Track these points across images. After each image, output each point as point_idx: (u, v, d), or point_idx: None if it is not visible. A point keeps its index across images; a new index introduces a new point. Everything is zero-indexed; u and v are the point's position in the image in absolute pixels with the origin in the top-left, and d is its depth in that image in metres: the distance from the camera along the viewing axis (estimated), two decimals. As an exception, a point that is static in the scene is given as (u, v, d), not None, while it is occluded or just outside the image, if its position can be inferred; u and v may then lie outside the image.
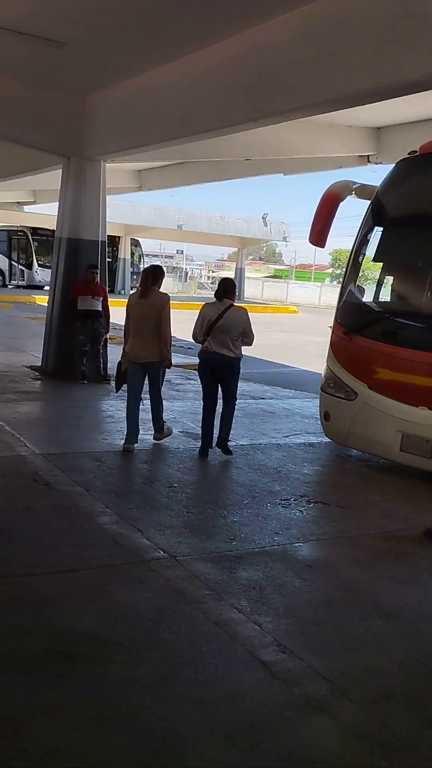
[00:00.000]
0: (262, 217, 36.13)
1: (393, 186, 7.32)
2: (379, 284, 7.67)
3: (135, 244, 37.92)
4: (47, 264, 27.88)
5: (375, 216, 7.36)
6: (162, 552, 4.47)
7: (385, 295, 7.60)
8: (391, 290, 7.63)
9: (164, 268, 7.79)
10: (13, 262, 34.48)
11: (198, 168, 16.30)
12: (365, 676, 3.30)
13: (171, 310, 6.87)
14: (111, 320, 10.83)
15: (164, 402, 7.35)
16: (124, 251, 36.43)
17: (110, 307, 10.61)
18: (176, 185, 19.12)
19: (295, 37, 6.52)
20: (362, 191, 7.43)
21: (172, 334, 6.88)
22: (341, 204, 7.23)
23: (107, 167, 16.23)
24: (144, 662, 3.24)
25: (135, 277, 37.57)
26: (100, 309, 10.37)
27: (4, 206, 29.39)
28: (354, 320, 7.21)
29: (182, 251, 62.20)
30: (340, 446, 7.37)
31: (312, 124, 11.31)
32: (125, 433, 6.85)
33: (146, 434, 7.43)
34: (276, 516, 5.34)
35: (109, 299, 10.60)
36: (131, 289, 36.78)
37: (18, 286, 33.22)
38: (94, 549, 4.45)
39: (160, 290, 7.01)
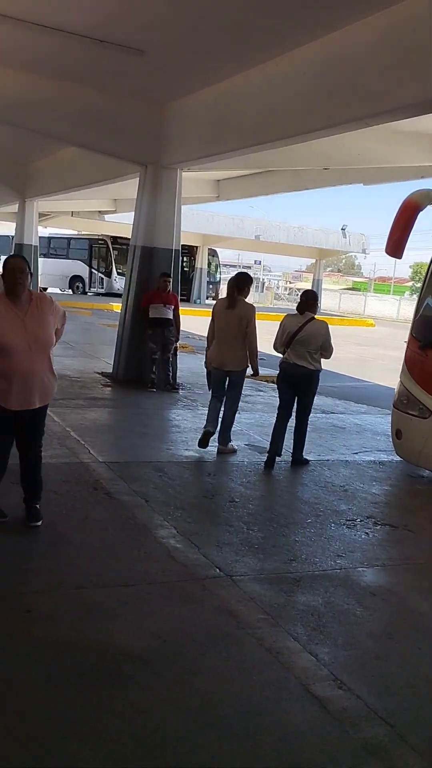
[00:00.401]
0: (341, 229, 35.66)
1: None
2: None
3: (212, 254, 38.08)
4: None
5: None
6: (218, 570, 4.31)
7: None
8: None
9: (252, 277, 7.70)
10: (93, 270, 35.17)
11: (276, 177, 16.12)
12: (430, 720, 3.04)
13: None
14: (183, 329, 10.79)
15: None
16: (201, 261, 36.62)
17: (185, 316, 10.59)
18: (254, 195, 18.99)
19: (375, 42, 6.29)
20: (444, 201, 7.11)
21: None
22: (422, 215, 6.94)
23: (185, 177, 16.36)
24: (189, 688, 3.08)
25: (211, 286, 37.83)
26: (171, 317, 10.33)
27: (86, 215, 29.94)
28: (430, 334, 6.89)
29: (260, 262, 62.09)
30: (411, 466, 7.05)
31: (393, 133, 10.97)
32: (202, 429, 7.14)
33: (214, 445, 7.31)
34: (340, 537, 5.10)
35: (183, 308, 10.55)
36: (207, 298, 36.99)
37: (97, 294, 33.84)
38: (148, 563, 4.32)
39: (246, 300, 7.15)
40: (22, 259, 4.48)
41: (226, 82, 8.71)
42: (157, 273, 10.38)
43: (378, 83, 6.31)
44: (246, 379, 7.38)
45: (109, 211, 27.74)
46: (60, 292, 34.32)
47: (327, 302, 44.79)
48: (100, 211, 29.03)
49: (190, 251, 36.67)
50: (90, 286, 35.05)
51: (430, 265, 7.27)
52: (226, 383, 7.18)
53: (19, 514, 4.74)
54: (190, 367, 13.28)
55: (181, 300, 36.66)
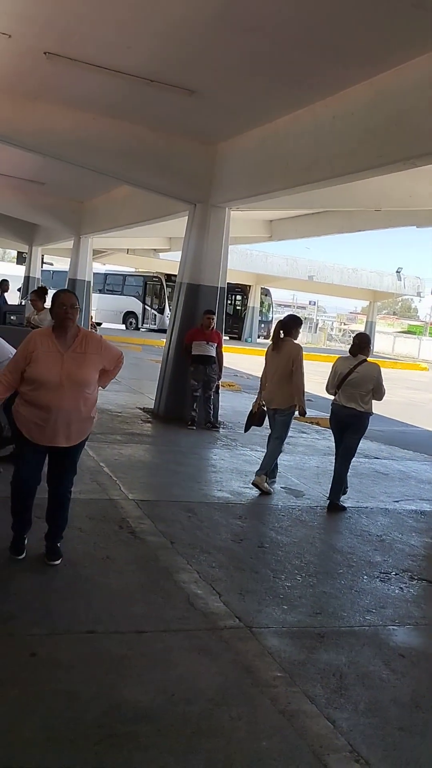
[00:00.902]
0: (396, 271, 35.33)
1: None
2: None
3: (265, 293, 38.16)
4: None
5: None
6: (237, 620, 4.10)
7: None
8: None
9: (301, 318, 7.65)
10: (146, 306, 35.59)
11: (329, 218, 16.07)
12: (452, 804, 2.76)
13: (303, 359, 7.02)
14: (232, 367, 10.72)
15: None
16: (254, 300, 36.71)
17: (235, 355, 10.52)
18: (307, 236, 18.93)
19: (423, 81, 6.18)
20: None
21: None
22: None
23: (237, 216, 16.43)
24: (193, 751, 2.88)
25: (263, 325, 37.82)
26: (214, 355, 10.24)
27: (141, 253, 30.41)
28: None
29: (315, 302, 61.96)
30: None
31: (448, 175, 10.84)
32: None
33: (245, 487, 7.13)
34: (372, 591, 4.83)
35: (234, 347, 10.47)
36: (258, 337, 36.97)
37: (150, 330, 34.16)
38: (165, 609, 4.14)
39: (295, 341, 7.22)
40: (72, 293, 4.44)
41: (275, 122, 8.71)
42: (202, 310, 10.33)
43: (426, 123, 6.18)
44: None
45: (164, 249, 28.08)
46: (114, 327, 34.75)
47: (381, 345, 44.30)
48: (155, 249, 29.45)
49: (242, 290, 36.85)
50: (143, 322, 35.42)
51: None
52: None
53: (41, 549, 4.62)
54: (234, 405, 13.15)
55: (232, 338, 37.00)
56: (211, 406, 10.39)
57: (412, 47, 6.17)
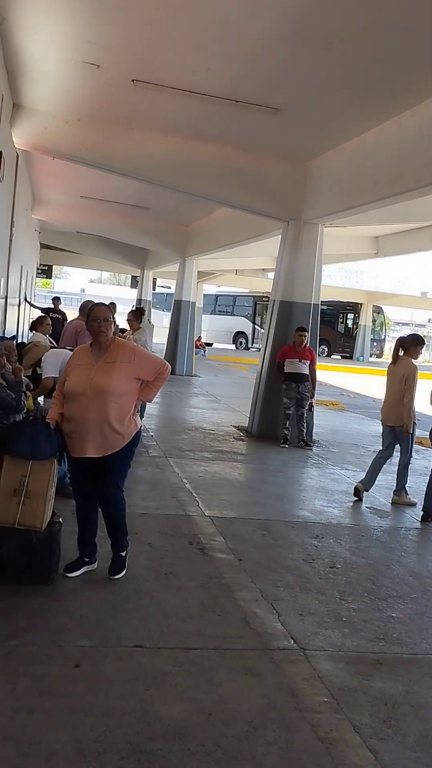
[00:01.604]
0: None
1: None
2: None
3: (377, 311, 37.41)
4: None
5: None
6: (292, 641, 3.98)
7: None
8: None
9: (423, 338, 7.80)
10: (256, 326, 35.76)
11: (435, 232, 15.59)
12: None
13: (417, 379, 7.09)
14: (339, 386, 10.59)
15: (365, 474, 7.55)
16: (366, 318, 36.07)
17: (345, 374, 10.42)
18: (413, 251, 18.48)
19: None
20: None
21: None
22: None
23: (342, 234, 16.27)
24: (219, 773, 2.79)
25: (375, 344, 37.06)
26: (306, 372, 10.11)
27: (249, 273, 30.63)
28: None
29: (432, 320, 60.03)
30: None
31: None
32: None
33: (327, 506, 6.96)
34: (445, 618, 4.56)
35: (345, 366, 10.33)
36: (370, 356, 36.24)
37: (259, 349, 34.22)
38: (219, 627, 4.08)
39: (413, 360, 7.34)
40: (106, 307, 4.51)
41: (362, 136, 8.58)
42: (295, 327, 10.24)
43: None
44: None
45: (271, 268, 28.13)
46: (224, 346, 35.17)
47: None
48: (263, 269, 29.57)
49: (354, 308, 36.30)
50: (253, 342, 35.59)
51: None
52: (392, 438, 7.40)
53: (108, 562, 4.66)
54: (334, 424, 12.96)
55: (344, 357, 36.54)
56: (304, 425, 10.24)
57: None
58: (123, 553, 4.65)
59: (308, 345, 10.23)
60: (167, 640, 3.85)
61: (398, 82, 6.96)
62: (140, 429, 4.55)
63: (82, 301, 8.70)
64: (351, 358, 35.82)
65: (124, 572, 4.61)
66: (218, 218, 15.60)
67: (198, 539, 5.57)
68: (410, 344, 7.33)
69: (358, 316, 36.31)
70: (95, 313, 4.37)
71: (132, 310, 10.92)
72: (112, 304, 6.17)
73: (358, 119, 8.24)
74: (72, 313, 12.75)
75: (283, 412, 10.21)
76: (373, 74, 6.87)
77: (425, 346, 7.66)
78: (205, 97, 7.99)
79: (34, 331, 9.70)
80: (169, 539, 5.52)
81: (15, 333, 9.11)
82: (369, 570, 5.34)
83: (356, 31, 5.97)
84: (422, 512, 6.86)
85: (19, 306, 13.91)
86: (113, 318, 4.44)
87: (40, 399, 6.97)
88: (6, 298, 9.81)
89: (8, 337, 7.74)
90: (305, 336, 10.07)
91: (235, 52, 6.82)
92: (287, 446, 9.98)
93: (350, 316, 36.71)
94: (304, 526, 6.32)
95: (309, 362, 10.15)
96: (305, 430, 10.25)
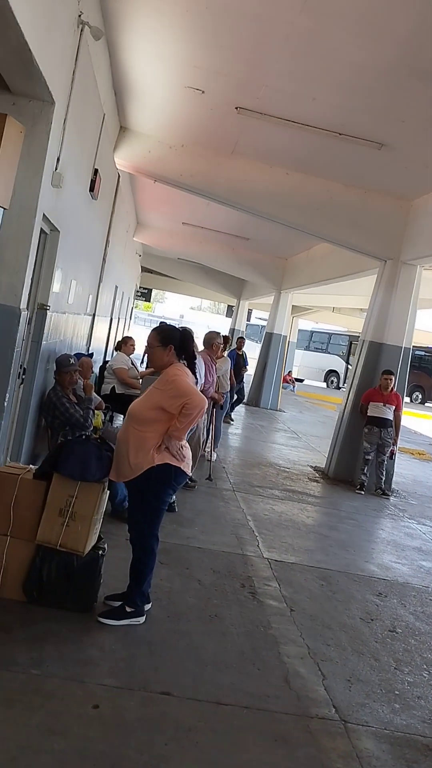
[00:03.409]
0: None
1: None
2: None
3: None
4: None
5: None
6: (333, 710, 3.63)
7: None
8: None
9: None
10: (349, 366, 35.07)
11: None
12: None
13: None
14: (429, 435, 10.09)
15: None
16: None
17: (425, 420, 9.91)
18: None
19: None
20: None
21: None
22: None
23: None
24: None
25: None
26: (391, 418, 9.67)
27: (347, 311, 30.18)
28: None
29: None
30: None
31: None
32: None
33: (397, 562, 6.52)
34: None
35: (426, 413, 9.87)
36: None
37: (350, 389, 33.51)
38: (256, 683, 3.77)
39: None
40: (154, 332, 4.31)
41: (471, 176, 8.19)
42: (382, 370, 9.84)
43: None
44: None
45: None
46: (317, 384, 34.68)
47: None
48: (360, 309, 29.05)
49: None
50: (344, 382, 34.92)
51: None
52: None
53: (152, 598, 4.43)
54: (416, 475, 12.39)
55: (437, 405, 34.53)
56: (384, 472, 9.77)
57: None
58: (128, 608, 4.14)
59: (395, 389, 9.79)
60: (198, 690, 3.58)
61: None
62: (171, 468, 4.05)
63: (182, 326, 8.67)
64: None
65: (115, 623, 4.06)
66: (316, 253, 15.38)
67: (251, 582, 5.28)
68: None
69: None
70: (147, 340, 4.25)
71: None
72: (185, 329, 6.00)
73: (466, 159, 7.88)
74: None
75: (362, 457, 9.78)
76: None
77: None
78: (308, 128, 7.82)
79: (117, 351, 9.73)
80: (221, 578, 5.25)
81: (92, 350, 9.12)
82: (432, 639, 4.90)
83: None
84: None
85: (110, 325, 14.07)
86: (158, 342, 4.20)
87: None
88: (94, 315, 9.88)
89: (86, 354, 7.73)
90: (392, 379, 9.65)
91: (341, 83, 6.62)
92: (363, 493, 9.53)
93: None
94: (368, 581, 5.91)
95: (394, 407, 9.71)
96: (384, 478, 9.77)
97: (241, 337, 16.00)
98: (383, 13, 5.10)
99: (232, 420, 14.32)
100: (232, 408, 14.38)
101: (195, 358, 4.48)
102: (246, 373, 15.29)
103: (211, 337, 8.32)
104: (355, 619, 5.00)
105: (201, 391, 5.45)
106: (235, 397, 14.54)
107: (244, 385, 15.64)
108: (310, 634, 4.53)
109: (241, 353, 14.99)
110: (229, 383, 10.24)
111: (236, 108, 7.76)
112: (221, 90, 7.52)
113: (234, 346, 15.17)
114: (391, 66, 5.99)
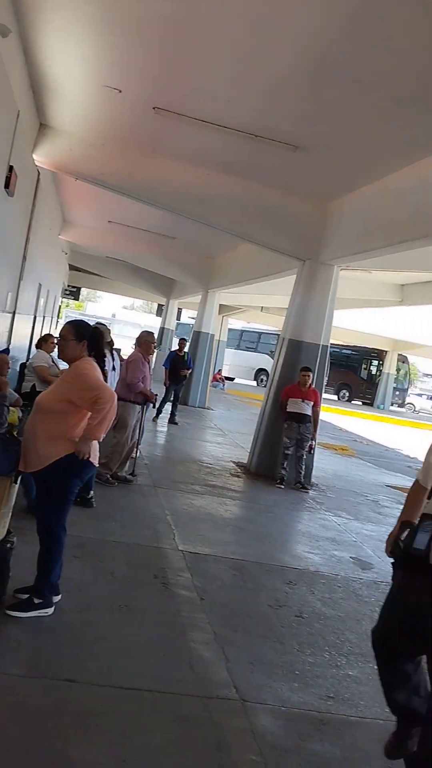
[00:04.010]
0: None
1: None
2: None
3: (403, 360, 37.10)
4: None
5: None
6: (234, 691, 3.77)
7: None
8: None
9: None
10: (278, 365, 35.56)
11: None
12: None
13: None
14: (355, 431, 10.39)
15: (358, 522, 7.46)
16: (390, 366, 35.76)
17: (364, 420, 10.21)
18: (438, 301, 18.25)
19: None
20: None
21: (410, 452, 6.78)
22: None
23: (365, 279, 16.18)
24: None
25: (398, 393, 36.67)
26: (309, 413, 9.93)
27: (275, 311, 30.60)
28: None
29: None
30: None
31: None
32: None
33: (309, 552, 6.74)
34: (406, 682, 4.30)
35: (365, 413, 10.15)
36: (391, 405, 35.83)
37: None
38: (160, 668, 3.88)
39: None
40: (69, 325, 4.40)
41: (382, 180, 8.48)
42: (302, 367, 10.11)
43: None
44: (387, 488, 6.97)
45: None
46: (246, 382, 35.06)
47: None
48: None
49: (378, 355, 36.04)
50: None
51: None
52: None
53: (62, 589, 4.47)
54: (338, 470, 12.73)
55: (365, 404, 36.13)
56: (303, 466, 10.03)
57: None
58: (35, 600, 4.15)
59: (313, 386, 10.06)
60: (103, 677, 3.66)
61: (421, 128, 6.86)
62: (77, 458, 4.07)
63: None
64: (372, 405, 35.47)
65: (23, 615, 4.08)
66: (241, 253, 15.61)
67: (164, 573, 5.38)
68: None
69: (382, 364, 36.03)
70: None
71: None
72: (101, 324, 6.09)
73: (379, 163, 8.15)
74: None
75: (282, 452, 10.01)
76: (393, 118, 6.77)
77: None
78: (225, 129, 7.97)
79: (38, 349, 9.68)
80: (134, 570, 5.34)
81: (7, 347, 9.06)
82: (337, 623, 5.10)
83: (376, 74, 5.88)
84: None
85: (34, 322, 13.94)
86: (71, 336, 4.28)
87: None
88: (14, 312, 9.80)
89: (1, 350, 7.69)
90: (310, 376, 9.91)
91: (256, 86, 6.78)
92: (283, 487, 9.76)
93: (374, 362, 36.46)
94: (280, 570, 6.10)
95: (313, 403, 9.97)
96: (303, 472, 10.03)
97: (183, 339, 16.07)
98: (296, 20, 5.26)
99: (177, 422, 14.39)
100: (169, 408, 14.47)
101: (105, 356, 4.59)
102: (187, 373, 15.39)
103: (143, 336, 8.46)
104: (264, 606, 5.17)
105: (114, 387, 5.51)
106: (172, 397, 14.61)
107: (182, 386, 15.68)
108: (218, 621, 4.67)
109: (182, 354, 15.10)
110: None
111: (154, 108, 7.85)
112: (138, 89, 7.60)
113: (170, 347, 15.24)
114: (305, 72, 6.16)
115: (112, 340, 7.42)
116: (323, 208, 10.20)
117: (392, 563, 3.10)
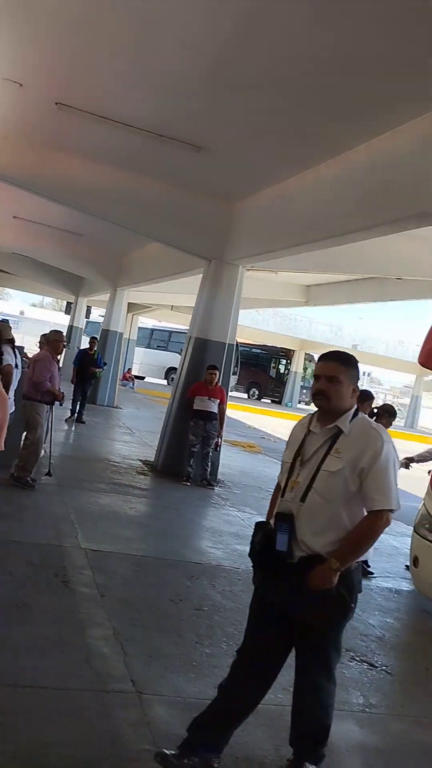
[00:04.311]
0: (445, 346, 34.65)
1: None
2: None
3: (309, 359, 37.96)
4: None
5: None
6: (130, 684, 3.82)
7: None
8: None
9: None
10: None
11: (361, 286, 15.97)
12: None
13: None
14: (261, 428, 10.55)
15: (262, 517, 7.74)
16: (297, 365, 36.56)
17: (272, 418, 10.38)
18: (341, 302, 18.82)
19: (412, 147, 6.08)
20: None
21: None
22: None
23: (274, 279, 16.50)
24: None
25: (305, 391, 37.49)
26: (215, 411, 10.07)
27: (185, 310, 30.72)
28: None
29: (369, 374, 60.93)
30: (427, 599, 6.27)
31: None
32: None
33: (212, 547, 6.86)
34: (300, 669, 4.46)
35: (272, 410, 10.31)
36: (299, 403, 36.63)
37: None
38: (57, 665, 3.88)
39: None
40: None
41: (285, 182, 8.70)
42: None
43: (412, 188, 6.05)
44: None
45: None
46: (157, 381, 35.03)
47: (428, 421, 43.42)
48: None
49: (286, 354, 36.78)
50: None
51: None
52: None
53: None
54: (244, 466, 12.92)
55: (273, 402, 36.75)
56: (209, 463, 10.16)
57: (407, 113, 6.09)
58: None
59: (220, 384, 10.21)
60: (-3, 675, 3.64)
61: (318, 132, 7.09)
62: None
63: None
64: (280, 402, 36.15)
65: None
66: (150, 251, 15.62)
67: (65, 571, 5.36)
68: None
69: (290, 363, 36.80)
70: None
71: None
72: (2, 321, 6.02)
73: (280, 166, 8.37)
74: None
75: (188, 450, 10.10)
76: (292, 122, 6.96)
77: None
78: (129, 127, 7.99)
79: None
80: (34, 570, 5.30)
81: None
82: (236, 615, 5.21)
83: (273, 78, 6.00)
84: None
85: None
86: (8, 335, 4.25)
87: None
88: None
89: None
90: (216, 374, 10.05)
91: (156, 87, 6.83)
92: (189, 484, 9.86)
93: (282, 361, 37.19)
94: (182, 565, 6.18)
95: (219, 401, 10.11)
96: (209, 469, 10.16)
97: (94, 338, 15.92)
98: (189, 22, 5.34)
99: (84, 421, 14.22)
100: (81, 408, 14.30)
101: (2, 354, 4.55)
102: (98, 372, 15.27)
103: (51, 335, 8.36)
104: (165, 600, 5.24)
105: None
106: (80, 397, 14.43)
107: (91, 385, 15.50)
108: (118, 617, 4.70)
109: (92, 353, 14.97)
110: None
111: (56, 103, 7.78)
112: (39, 84, 7.52)
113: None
114: (201, 74, 6.27)
115: (13, 338, 7.31)
116: (229, 209, 10.35)
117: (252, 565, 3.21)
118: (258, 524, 3.21)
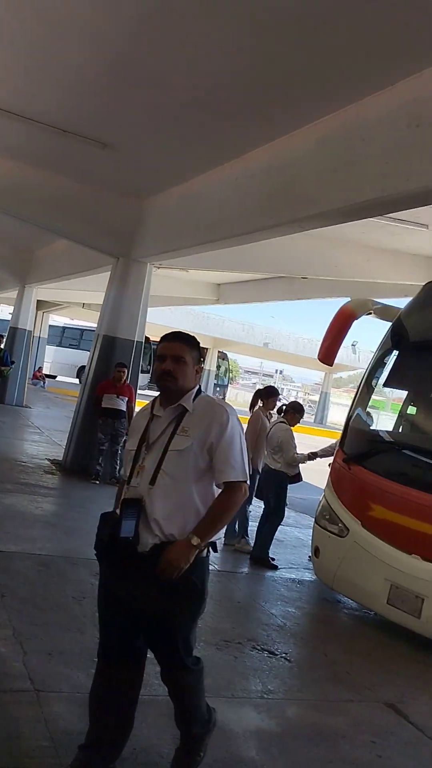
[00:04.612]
0: (352, 345, 35.69)
1: (417, 309, 6.75)
2: (398, 414, 7.02)
3: (222, 357, 38.31)
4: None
5: (394, 339, 6.75)
6: (29, 683, 3.80)
7: (395, 425, 6.88)
8: (401, 420, 6.91)
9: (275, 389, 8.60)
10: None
11: (270, 285, 16.24)
12: None
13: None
14: None
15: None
16: (210, 363, 36.81)
17: None
18: (251, 301, 19.09)
19: (311, 150, 6.29)
20: (384, 312, 6.95)
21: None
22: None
23: (185, 277, 16.56)
24: None
25: (218, 389, 37.82)
26: (123, 409, 10.06)
27: (96, 307, 30.42)
28: (355, 448, 6.50)
29: (281, 371, 61.79)
30: (328, 588, 6.48)
31: (374, 250, 11.03)
32: None
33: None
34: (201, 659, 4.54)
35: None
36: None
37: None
38: None
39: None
40: None
41: (190, 181, 8.79)
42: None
43: (310, 189, 6.25)
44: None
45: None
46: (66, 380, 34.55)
47: (337, 416, 44.52)
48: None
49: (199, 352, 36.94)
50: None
51: (364, 375, 6.99)
52: None
53: None
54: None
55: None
56: (118, 461, 10.13)
57: (306, 116, 6.27)
58: None
59: (128, 382, 10.20)
60: None
61: (219, 133, 7.20)
62: None
63: None
64: (193, 400, 36.29)
65: None
66: (59, 248, 15.42)
67: (-35, 574, 5.27)
68: (259, 397, 8.19)
69: (203, 361, 37.00)
70: None
71: None
72: None
73: (184, 165, 8.44)
74: None
75: (97, 448, 10.06)
76: (196, 123, 7.04)
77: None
78: (34, 122, 7.87)
79: None
80: None
81: None
82: (139, 610, 5.25)
83: (174, 76, 6.05)
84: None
85: None
86: None
87: None
88: None
89: None
90: (124, 372, 10.04)
91: (55, 82, 6.79)
92: (98, 482, 9.82)
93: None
94: (88, 563, 6.09)
95: (127, 399, 10.11)
96: (118, 467, 10.13)
97: (0, 335, 15.59)
98: (87, 20, 5.34)
99: None
100: None
101: None
102: (6, 370, 15.00)
103: None
104: (68, 598, 5.22)
105: None
106: None
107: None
108: (19, 617, 4.66)
109: None
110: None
111: None
112: None
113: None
114: (103, 70, 6.27)
115: None
116: (137, 206, 10.35)
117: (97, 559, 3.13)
118: (103, 515, 3.12)
